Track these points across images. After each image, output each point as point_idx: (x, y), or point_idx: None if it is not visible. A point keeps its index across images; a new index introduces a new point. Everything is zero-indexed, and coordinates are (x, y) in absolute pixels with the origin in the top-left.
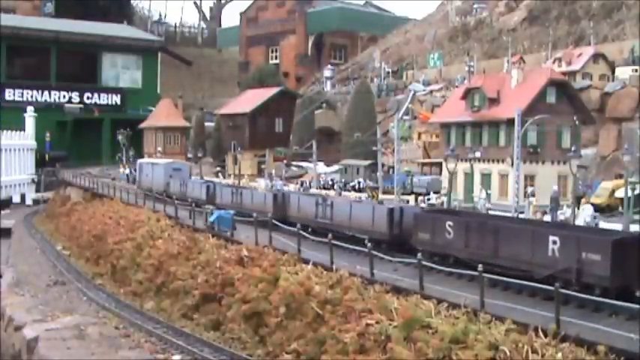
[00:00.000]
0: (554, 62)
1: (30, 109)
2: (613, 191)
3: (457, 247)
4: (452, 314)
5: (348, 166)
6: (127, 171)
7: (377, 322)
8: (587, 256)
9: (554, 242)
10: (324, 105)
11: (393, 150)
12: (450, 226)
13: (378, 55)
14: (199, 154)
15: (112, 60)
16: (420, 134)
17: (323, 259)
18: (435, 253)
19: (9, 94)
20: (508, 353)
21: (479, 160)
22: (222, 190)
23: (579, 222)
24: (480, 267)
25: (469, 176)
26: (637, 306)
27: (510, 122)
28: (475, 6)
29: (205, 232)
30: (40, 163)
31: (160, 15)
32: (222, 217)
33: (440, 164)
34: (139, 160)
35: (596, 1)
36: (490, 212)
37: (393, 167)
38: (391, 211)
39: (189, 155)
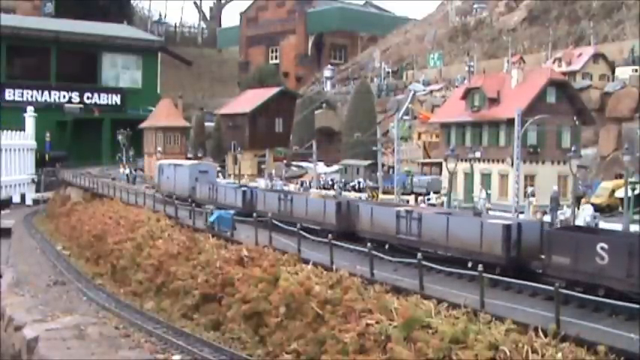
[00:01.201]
0: (554, 62)
1: (30, 109)
2: (613, 191)
3: (615, 276)
4: (452, 314)
5: (348, 166)
6: (127, 171)
7: (377, 322)
8: None
9: None
10: (324, 105)
11: (393, 150)
12: (603, 249)
13: (378, 55)
14: (199, 154)
15: (112, 60)
16: (420, 134)
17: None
18: (576, 282)
19: (9, 94)
20: (508, 353)
21: (479, 160)
22: (264, 196)
23: (579, 222)
24: (480, 267)
25: (469, 176)
26: (637, 306)
27: (510, 122)
28: (475, 6)
29: (205, 232)
30: (40, 163)
31: (160, 15)
32: (222, 217)
33: (440, 164)
34: (159, 161)
35: (596, 1)
36: (491, 212)
37: (393, 167)
38: (507, 228)
39: (190, 155)
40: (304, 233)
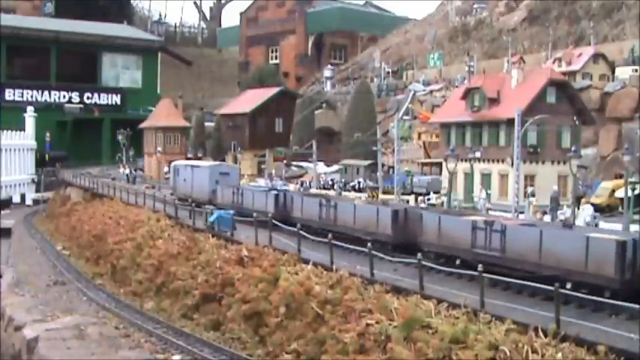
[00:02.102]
0: (554, 62)
1: (30, 109)
2: (613, 191)
3: None
4: (452, 314)
5: (348, 166)
6: (127, 171)
7: (377, 322)
8: None
9: None
10: (324, 105)
11: (393, 150)
12: None
13: (378, 55)
14: (199, 154)
15: (112, 60)
16: (420, 134)
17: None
18: None
19: (9, 94)
20: (508, 353)
21: (479, 160)
22: (302, 201)
23: (579, 222)
24: (480, 267)
25: (469, 176)
26: (637, 306)
27: (510, 122)
28: (475, 6)
29: (205, 232)
30: (40, 163)
31: (160, 15)
32: (222, 217)
33: (440, 164)
34: (174, 162)
35: (596, 1)
36: (491, 212)
37: (393, 167)
38: (622, 244)
39: (190, 155)
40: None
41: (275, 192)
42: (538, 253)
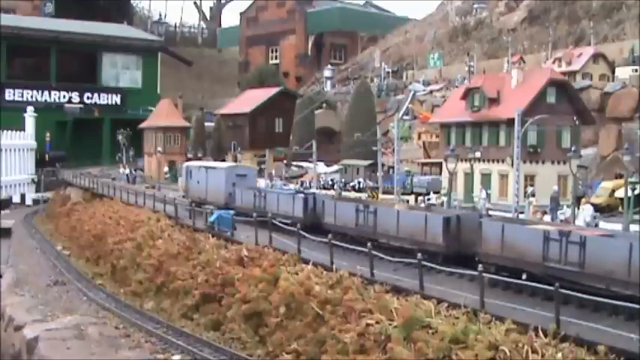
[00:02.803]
0: (554, 62)
1: (30, 109)
2: (613, 191)
3: None
4: (452, 314)
5: (348, 166)
6: (127, 171)
7: (377, 322)
8: None
9: None
10: (324, 105)
11: (393, 150)
12: None
13: (378, 55)
14: (199, 154)
15: (112, 60)
16: (420, 134)
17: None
18: None
19: (9, 94)
20: (508, 353)
21: (479, 160)
22: (335, 206)
23: (579, 222)
24: (480, 267)
25: (469, 176)
26: (637, 306)
27: (510, 122)
28: (475, 6)
29: (205, 232)
30: (40, 163)
31: (160, 15)
32: (222, 217)
33: (440, 164)
34: (186, 163)
35: (596, 1)
36: (491, 212)
37: (393, 167)
38: None
39: (190, 155)
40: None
41: (303, 195)
42: (627, 270)
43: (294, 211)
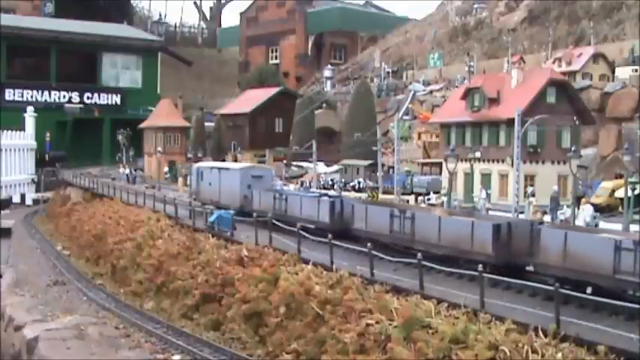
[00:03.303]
0: (554, 62)
1: (30, 109)
2: (613, 191)
3: None
4: (452, 314)
5: (348, 166)
6: (127, 171)
7: (377, 322)
8: None
9: None
10: (324, 105)
11: (393, 150)
12: None
13: (378, 55)
14: (199, 154)
15: (112, 60)
16: (420, 134)
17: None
18: None
19: (9, 94)
20: (508, 353)
21: (479, 160)
22: (367, 210)
23: (579, 222)
24: (480, 267)
25: (469, 176)
26: (637, 306)
27: (510, 122)
28: (475, 6)
29: (205, 232)
30: (40, 163)
31: (160, 15)
32: (222, 217)
33: (440, 164)
34: (196, 164)
35: (596, 1)
36: (490, 212)
37: (393, 167)
38: None
39: (189, 155)
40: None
41: (330, 199)
42: None
43: (320, 216)
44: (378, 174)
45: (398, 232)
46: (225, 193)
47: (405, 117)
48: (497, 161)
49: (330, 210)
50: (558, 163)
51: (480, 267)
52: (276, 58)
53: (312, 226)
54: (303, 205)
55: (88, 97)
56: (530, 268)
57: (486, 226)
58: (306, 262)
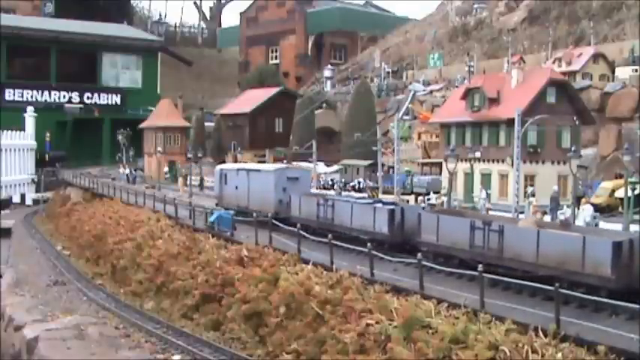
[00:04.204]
0: (554, 62)
1: (30, 109)
2: (613, 191)
3: None
4: (452, 314)
5: (348, 166)
6: (127, 171)
7: (377, 322)
8: None
9: None
10: (324, 105)
11: (393, 150)
12: None
13: (378, 55)
14: (199, 154)
15: (112, 60)
16: (420, 134)
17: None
18: None
19: (9, 94)
20: (508, 353)
21: (479, 160)
22: (438, 220)
23: (579, 222)
24: (480, 267)
25: (469, 176)
26: (637, 306)
27: (510, 122)
28: (475, 6)
29: (205, 232)
30: (40, 163)
31: (160, 15)
32: (222, 217)
33: (440, 164)
34: (219, 166)
35: (596, 1)
36: (490, 212)
37: (393, 167)
38: None
39: (189, 155)
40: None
41: (389, 207)
42: None
43: (376, 227)
44: (378, 174)
45: (482, 246)
46: (256, 197)
47: (405, 117)
48: (497, 161)
49: (389, 219)
50: (558, 163)
51: (480, 267)
52: (276, 58)
53: (365, 237)
54: (354, 214)
55: (88, 97)
56: None
57: (605, 244)
58: (306, 262)
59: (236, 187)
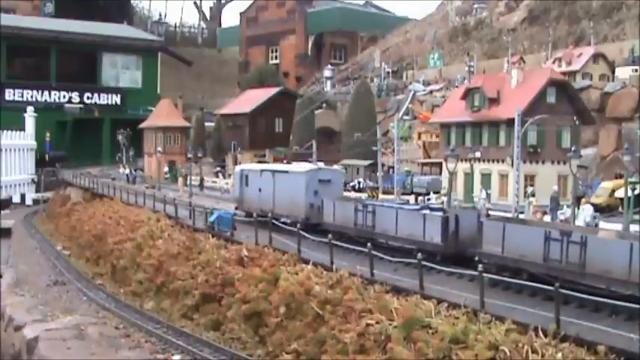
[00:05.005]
0: (554, 62)
1: (30, 109)
2: (613, 191)
3: None
4: (452, 314)
5: (348, 166)
6: (127, 171)
7: (377, 322)
8: None
9: None
10: (324, 105)
11: (393, 150)
12: None
13: (378, 55)
14: (199, 154)
15: (112, 60)
16: (420, 134)
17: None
18: None
19: (9, 94)
20: (508, 353)
21: (479, 160)
22: (504, 230)
23: (579, 222)
24: (480, 267)
25: (469, 176)
26: (637, 306)
27: (510, 122)
28: (475, 6)
29: (205, 232)
30: (40, 163)
31: (160, 15)
32: (222, 217)
33: (440, 164)
34: (239, 167)
35: (596, 1)
36: (490, 212)
37: (393, 167)
38: None
39: (189, 155)
40: None
41: (441, 214)
42: None
43: (427, 236)
44: (378, 174)
45: (559, 260)
46: (283, 201)
47: (405, 117)
48: (497, 161)
49: (442, 227)
50: (558, 163)
51: (480, 267)
52: (276, 58)
53: (413, 247)
54: (400, 221)
55: (88, 97)
56: None
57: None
58: (306, 262)
59: (259, 190)
